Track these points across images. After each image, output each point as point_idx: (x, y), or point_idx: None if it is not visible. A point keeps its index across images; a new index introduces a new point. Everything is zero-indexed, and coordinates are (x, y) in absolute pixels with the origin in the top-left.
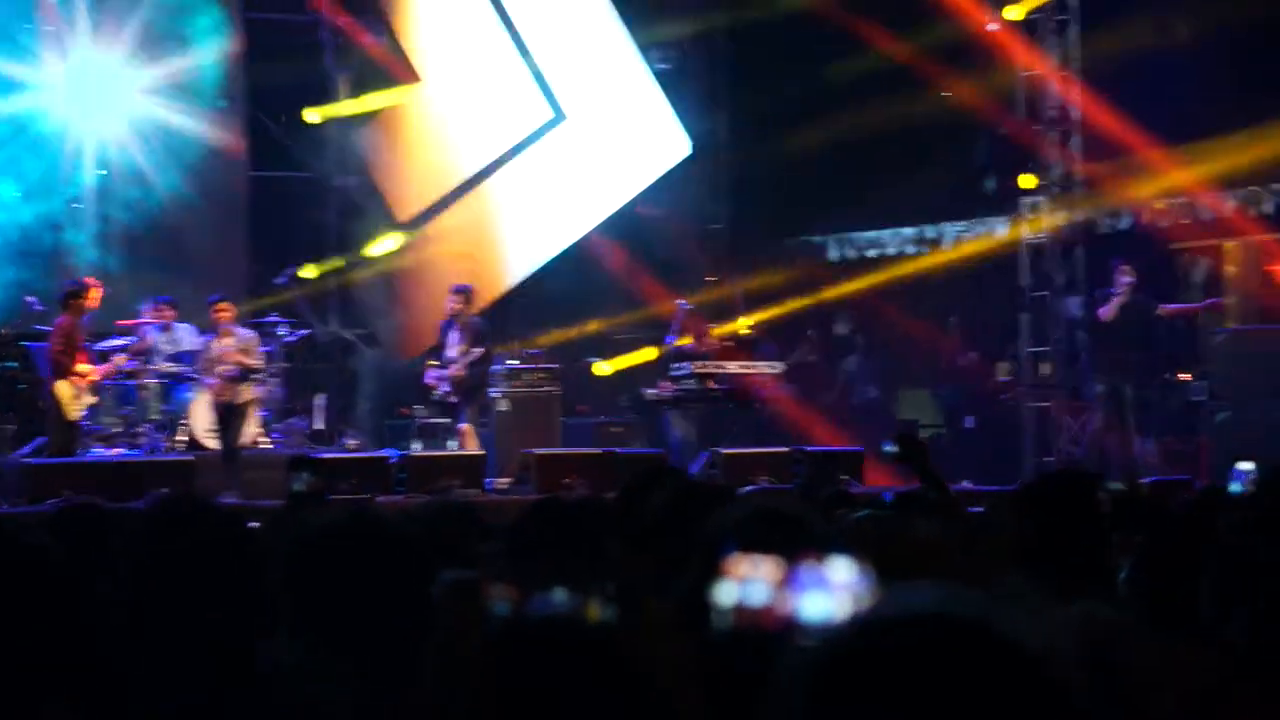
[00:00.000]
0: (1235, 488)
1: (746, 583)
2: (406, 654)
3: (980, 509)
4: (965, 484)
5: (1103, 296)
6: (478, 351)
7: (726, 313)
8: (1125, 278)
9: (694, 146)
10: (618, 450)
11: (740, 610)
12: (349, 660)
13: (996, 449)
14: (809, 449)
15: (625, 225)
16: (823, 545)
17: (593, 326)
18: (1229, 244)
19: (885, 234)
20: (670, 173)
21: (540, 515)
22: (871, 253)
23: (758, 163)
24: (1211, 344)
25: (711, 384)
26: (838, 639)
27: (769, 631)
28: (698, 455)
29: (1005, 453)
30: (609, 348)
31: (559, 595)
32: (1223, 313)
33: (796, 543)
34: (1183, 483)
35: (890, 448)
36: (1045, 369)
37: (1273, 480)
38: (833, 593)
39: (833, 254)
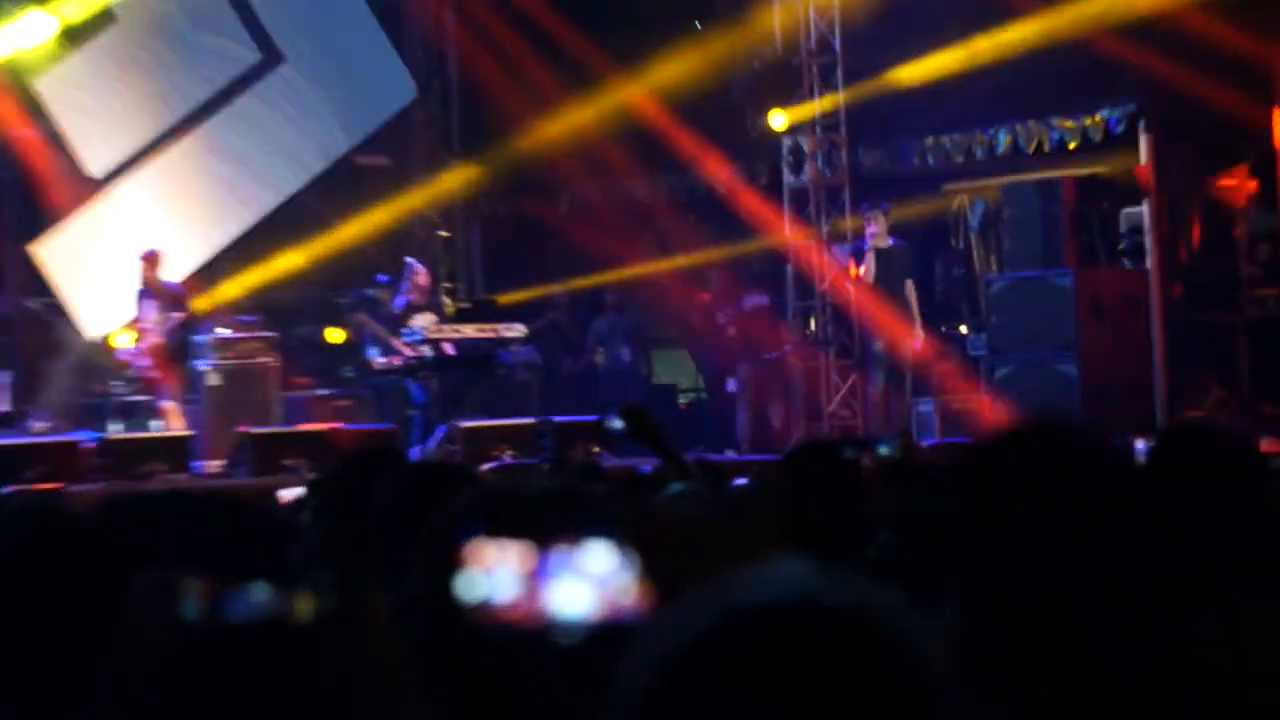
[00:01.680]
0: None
1: (488, 575)
2: (80, 682)
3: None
4: (729, 453)
5: (857, 251)
6: (177, 317)
7: (464, 272)
8: (872, 227)
9: (421, 90)
10: (344, 427)
11: (483, 607)
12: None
13: (768, 415)
14: (556, 420)
15: (346, 177)
16: (575, 528)
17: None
18: (1004, 183)
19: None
20: (395, 119)
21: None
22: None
23: (494, 107)
24: (989, 293)
25: (447, 349)
26: (697, 631)
27: (516, 629)
28: (434, 429)
29: (777, 421)
30: (336, 313)
31: (259, 594)
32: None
33: (544, 526)
34: (962, 446)
35: (614, 423)
36: (813, 325)
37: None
38: (589, 583)
39: (573, 198)
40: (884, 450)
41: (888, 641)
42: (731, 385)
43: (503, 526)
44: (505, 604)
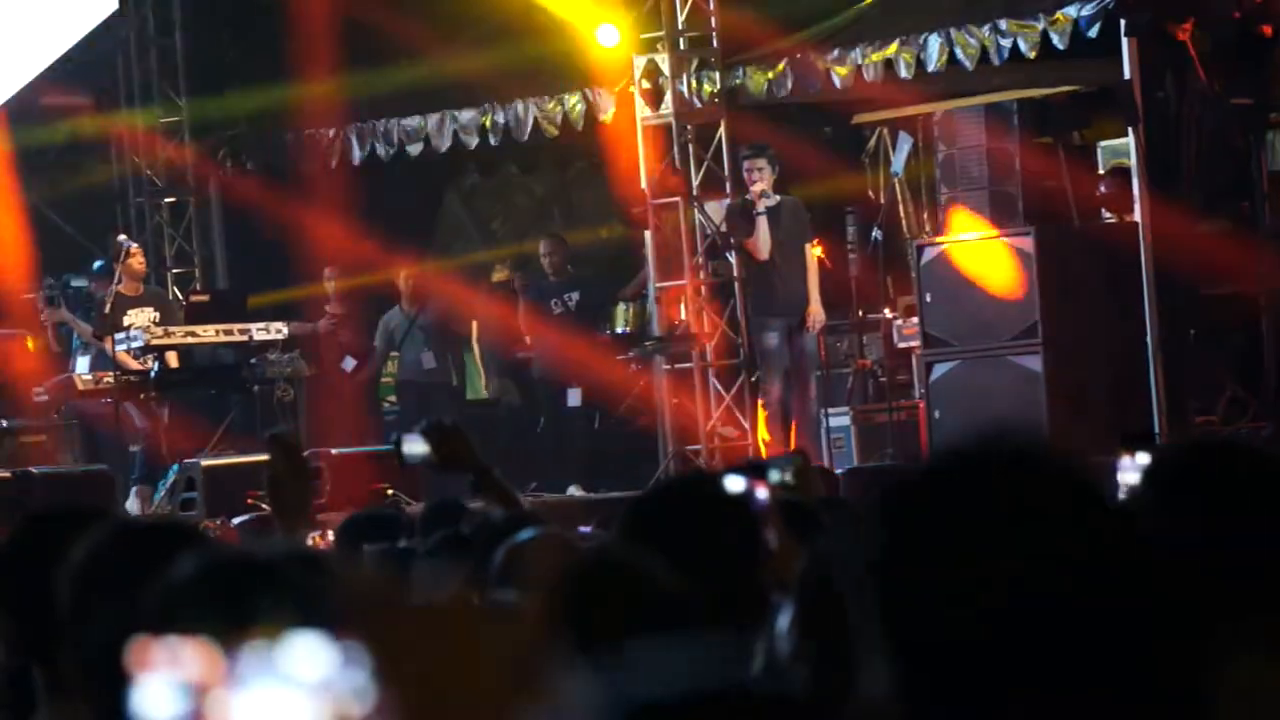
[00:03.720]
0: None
1: (156, 686)
2: None
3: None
4: (572, 490)
5: (737, 211)
6: None
7: (201, 254)
8: (757, 179)
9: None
10: (34, 470)
11: None
12: None
13: (622, 436)
14: (332, 451)
15: (30, 119)
16: (278, 615)
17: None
18: (936, 111)
19: (432, 120)
20: (96, 39)
21: None
22: (415, 147)
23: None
24: (921, 263)
25: (176, 362)
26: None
27: None
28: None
29: (632, 443)
30: (24, 312)
31: None
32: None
33: (236, 614)
34: (889, 470)
35: (412, 447)
36: (683, 313)
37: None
38: (298, 692)
39: (356, 154)
40: (775, 477)
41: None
42: (573, 399)
43: (181, 616)
44: None
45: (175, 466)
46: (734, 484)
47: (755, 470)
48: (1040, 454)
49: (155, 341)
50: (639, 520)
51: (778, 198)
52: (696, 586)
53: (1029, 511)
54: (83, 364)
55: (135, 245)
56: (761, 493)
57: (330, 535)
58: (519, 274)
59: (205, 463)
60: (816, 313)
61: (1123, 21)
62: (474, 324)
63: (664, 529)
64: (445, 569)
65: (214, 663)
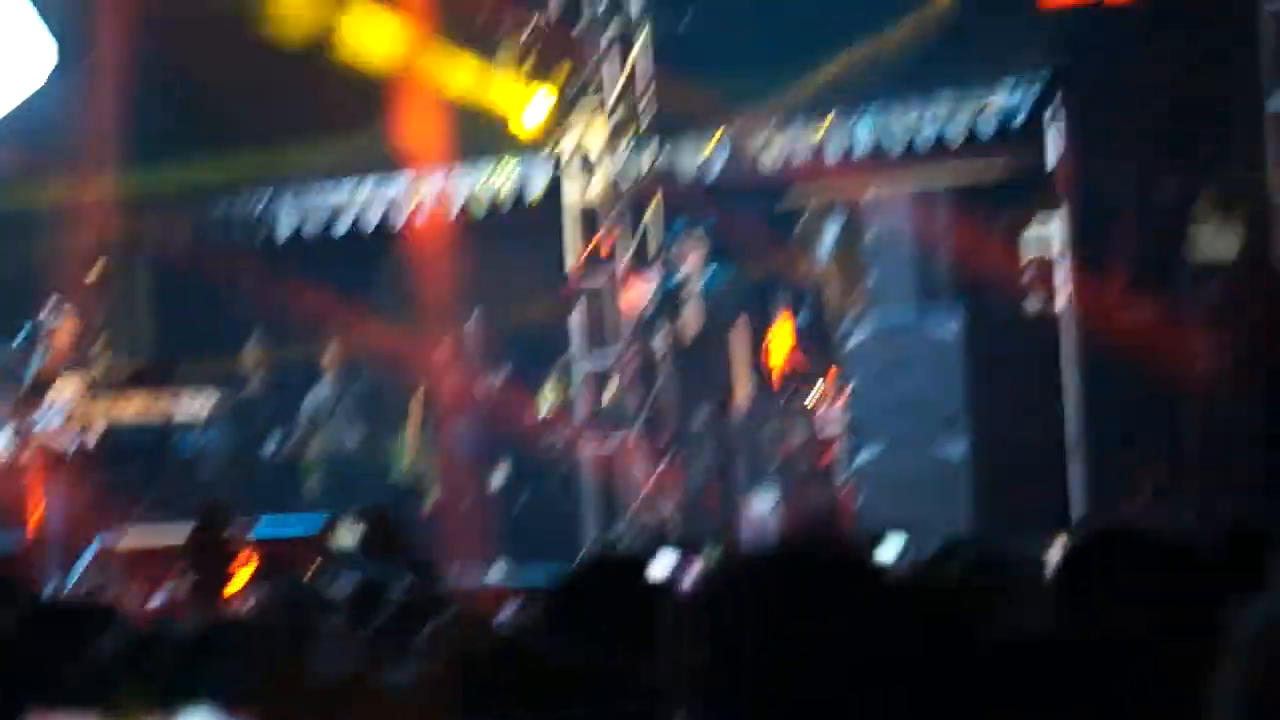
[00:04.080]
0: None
1: None
2: None
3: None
4: (497, 569)
5: (665, 290)
6: None
7: (127, 324)
8: (690, 256)
9: (64, 61)
10: None
11: None
12: None
13: (548, 517)
14: (254, 529)
15: None
16: (212, 688)
17: None
18: (865, 193)
19: (360, 194)
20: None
21: None
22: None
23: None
24: (847, 348)
25: (91, 439)
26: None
27: None
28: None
29: (558, 523)
30: None
31: None
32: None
33: (173, 687)
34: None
35: (343, 533)
36: (609, 396)
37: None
38: None
39: (284, 226)
40: (704, 560)
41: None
42: (500, 475)
43: (93, 693)
44: None
45: (95, 543)
46: (659, 567)
47: (687, 546)
48: (828, 552)
49: (78, 416)
50: (562, 604)
51: (708, 276)
52: (617, 669)
53: (812, 610)
54: (1, 438)
55: (62, 314)
56: (694, 570)
57: (249, 614)
58: (447, 350)
59: (125, 540)
60: (744, 393)
61: (1050, 106)
62: (418, 393)
63: (588, 613)
64: (359, 649)
65: None
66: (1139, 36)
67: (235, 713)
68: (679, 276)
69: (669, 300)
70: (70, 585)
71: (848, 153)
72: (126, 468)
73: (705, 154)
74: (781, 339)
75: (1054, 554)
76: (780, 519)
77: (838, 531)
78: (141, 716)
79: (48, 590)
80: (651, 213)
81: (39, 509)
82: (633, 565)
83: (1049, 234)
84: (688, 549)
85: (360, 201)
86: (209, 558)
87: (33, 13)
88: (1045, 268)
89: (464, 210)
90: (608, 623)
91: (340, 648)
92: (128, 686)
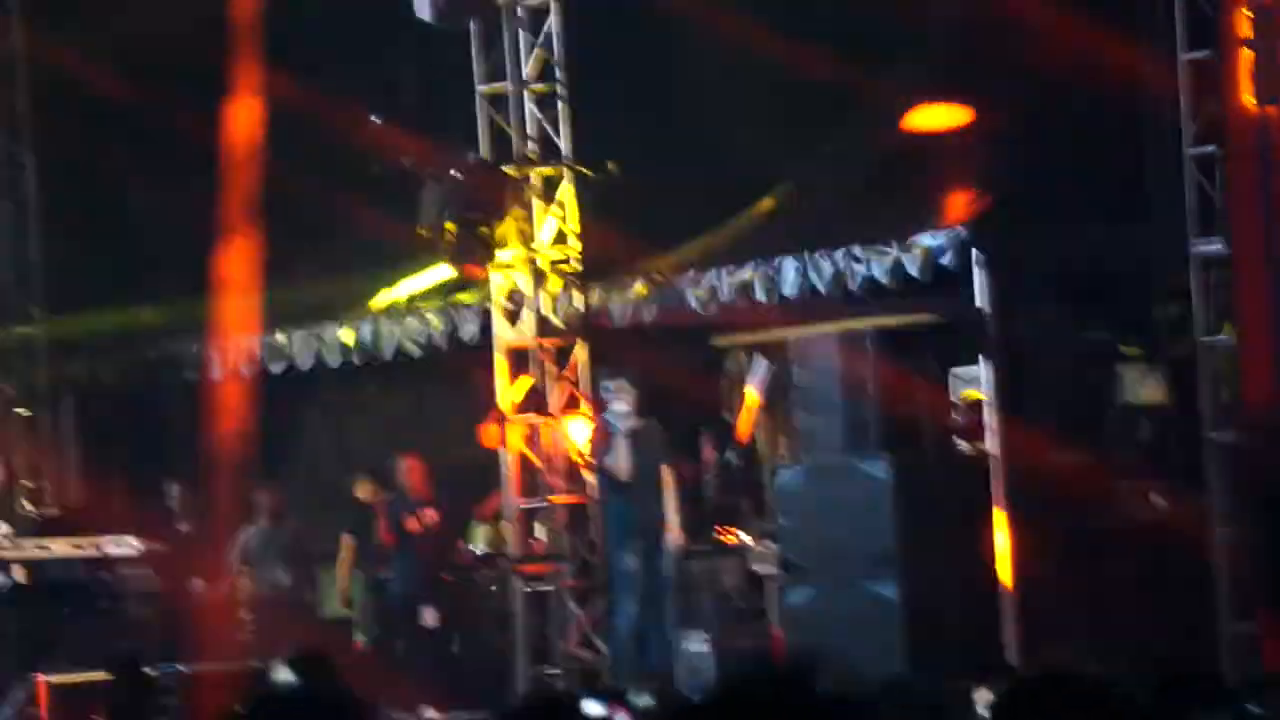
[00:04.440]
0: None
1: None
2: None
3: None
4: (427, 712)
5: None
6: None
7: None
8: (619, 402)
9: None
10: None
11: None
12: None
13: (479, 658)
14: (183, 669)
15: None
16: None
17: None
18: (792, 335)
19: (296, 337)
20: None
21: None
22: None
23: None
24: (777, 487)
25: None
26: None
27: None
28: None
29: (489, 663)
30: None
31: None
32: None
33: None
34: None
35: (279, 676)
36: (541, 535)
37: None
38: None
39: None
40: (639, 702)
41: None
42: (430, 618)
43: None
44: None
45: (21, 683)
46: (593, 709)
47: (614, 695)
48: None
49: (6, 554)
50: None
51: (638, 419)
52: None
53: None
54: None
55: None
56: (621, 718)
57: None
58: (378, 491)
59: (50, 679)
60: (675, 535)
61: (974, 252)
62: (344, 540)
63: None
64: None
65: None
66: (1057, 192)
67: None
68: (609, 417)
69: (601, 440)
70: None
71: (776, 293)
72: (54, 606)
73: (634, 295)
74: (711, 477)
75: (983, 696)
76: (714, 659)
77: (776, 671)
78: None
79: None
80: (582, 353)
81: None
82: (567, 706)
83: (978, 375)
84: (615, 696)
85: (293, 344)
86: (132, 697)
87: None
88: (974, 409)
89: (398, 350)
90: None
91: None
92: None
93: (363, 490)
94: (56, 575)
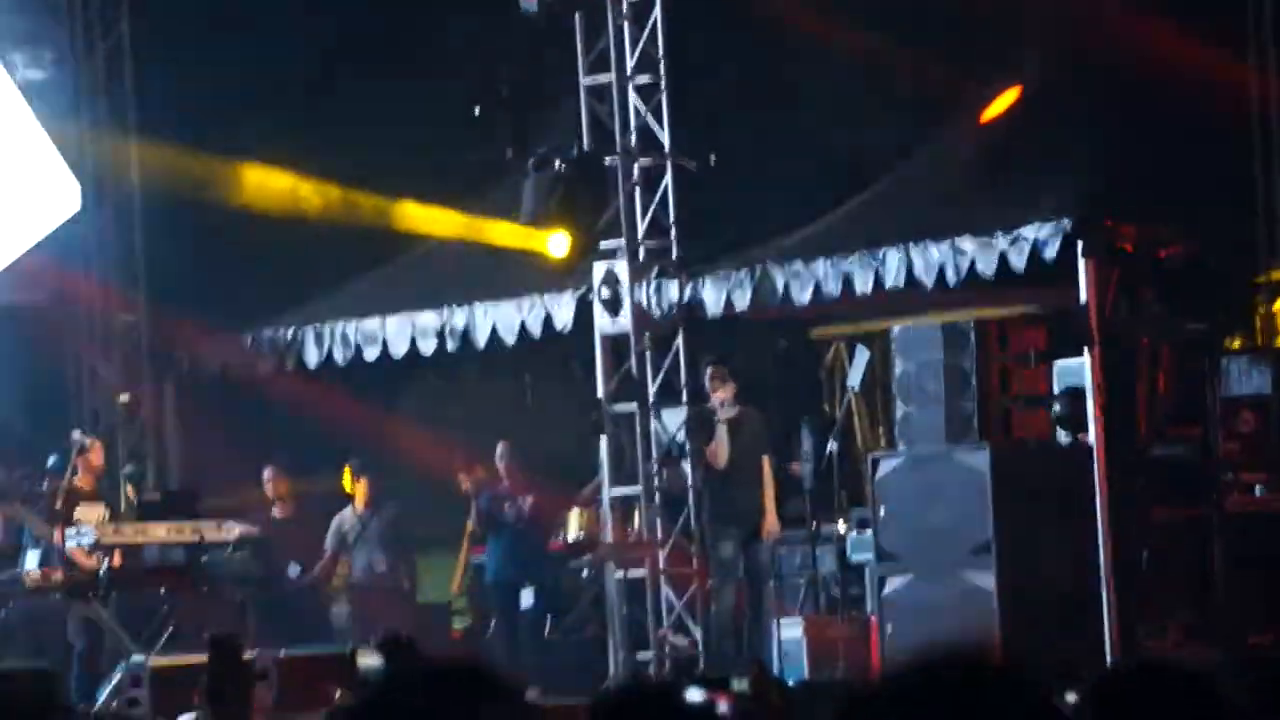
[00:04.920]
0: None
1: None
2: None
3: None
4: (530, 695)
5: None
6: None
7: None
8: (720, 390)
9: (90, 202)
10: None
11: None
12: None
13: (574, 644)
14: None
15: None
16: None
17: None
18: (896, 325)
19: (390, 323)
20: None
21: None
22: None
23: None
24: (877, 476)
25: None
26: None
27: None
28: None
29: (584, 648)
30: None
31: None
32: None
33: None
34: (844, 685)
35: (367, 660)
36: (638, 521)
37: None
38: None
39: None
40: (737, 686)
41: None
42: (526, 600)
43: None
44: None
45: (121, 664)
46: (693, 695)
47: (714, 682)
48: (993, 673)
49: (106, 539)
50: None
51: (738, 408)
52: None
53: None
54: (32, 559)
55: (93, 439)
56: (723, 706)
57: None
58: (473, 479)
59: (152, 661)
60: (772, 524)
61: (1080, 244)
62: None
63: None
64: None
65: None
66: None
67: None
68: (710, 406)
69: (701, 428)
70: (100, 703)
71: (877, 284)
72: (154, 590)
73: (733, 287)
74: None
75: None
76: (808, 647)
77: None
78: None
79: (79, 708)
80: (680, 344)
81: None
82: (666, 693)
83: (1079, 366)
84: (721, 679)
85: (390, 331)
86: (230, 680)
87: (55, 154)
88: (1075, 399)
89: (494, 338)
90: None
91: None
92: None
93: (465, 478)
94: (155, 559)
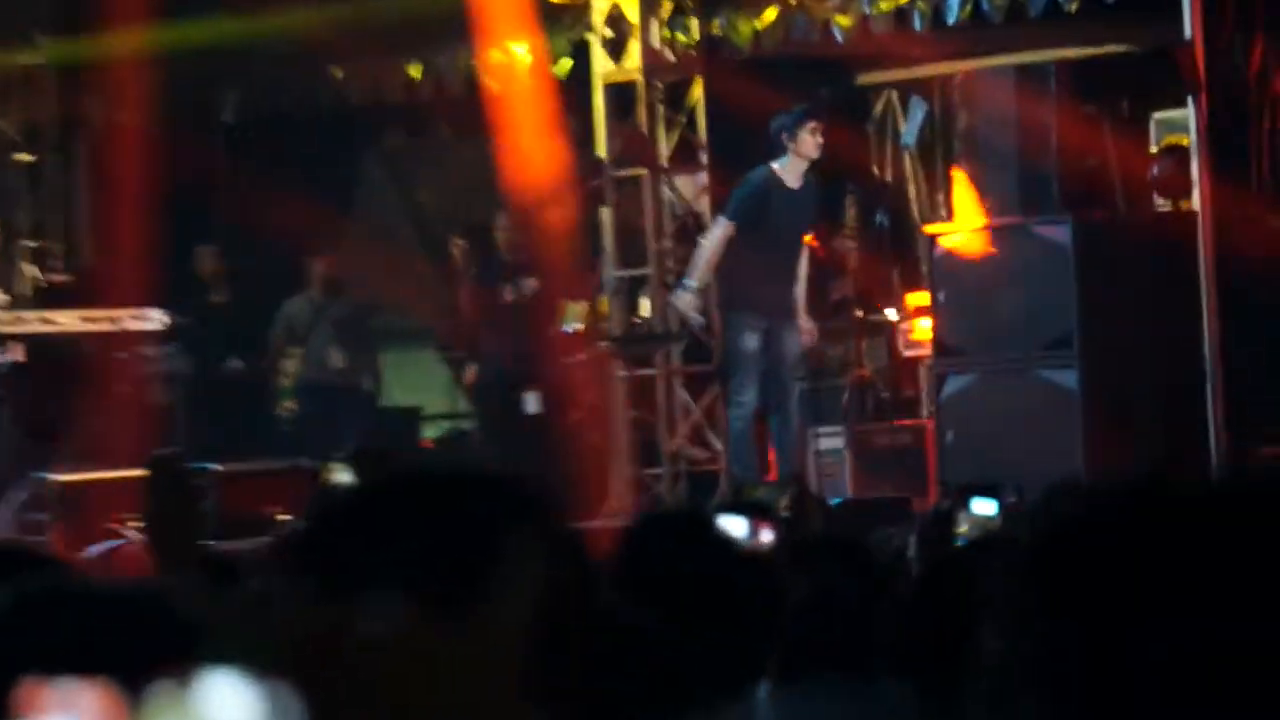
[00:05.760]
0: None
1: None
2: None
3: None
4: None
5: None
6: None
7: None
8: (807, 147)
9: None
10: None
11: None
12: None
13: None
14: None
15: None
16: (184, 651)
17: None
18: (960, 71)
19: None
20: None
21: None
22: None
23: None
24: (934, 258)
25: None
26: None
27: None
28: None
29: (582, 461)
30: None
31: None
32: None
33: (138, 650)
34: (895, 503)
35: (337, 476)
36: (645, 309)
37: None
38: None
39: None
40: (764, 496)
41: None
42: (531, 404)
43: (68, 655)
44: None
45: (21, 480)
46: (734, 526)
47: (753, 507)
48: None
49: (3, 329)
50: (631, 566)
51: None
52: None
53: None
54: None
55: None
56: (767, 535)
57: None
58: (463, 250)
59: (59, 477)
60: (804, 311)
61: None
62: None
63: (663, 578)
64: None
65: (115, 705)
66: None
67: (266, 675)
68: (775, 167)
69: (759, 197)
70: None
71: (937, 20)
72: (60, 390)
73: (761, 24)
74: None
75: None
76: (851, 460)
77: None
78: (139, 680)
79: None
80: (698, 91)
81: None
82: (698, 522)
83: (1183, 118)
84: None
85: (348, 79)
86: (174, 506)
87: None
88: (1178, 159)
89: (473, 86)
90: (692, 589)
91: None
92: (107, 645)
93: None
94: (64, 353)
